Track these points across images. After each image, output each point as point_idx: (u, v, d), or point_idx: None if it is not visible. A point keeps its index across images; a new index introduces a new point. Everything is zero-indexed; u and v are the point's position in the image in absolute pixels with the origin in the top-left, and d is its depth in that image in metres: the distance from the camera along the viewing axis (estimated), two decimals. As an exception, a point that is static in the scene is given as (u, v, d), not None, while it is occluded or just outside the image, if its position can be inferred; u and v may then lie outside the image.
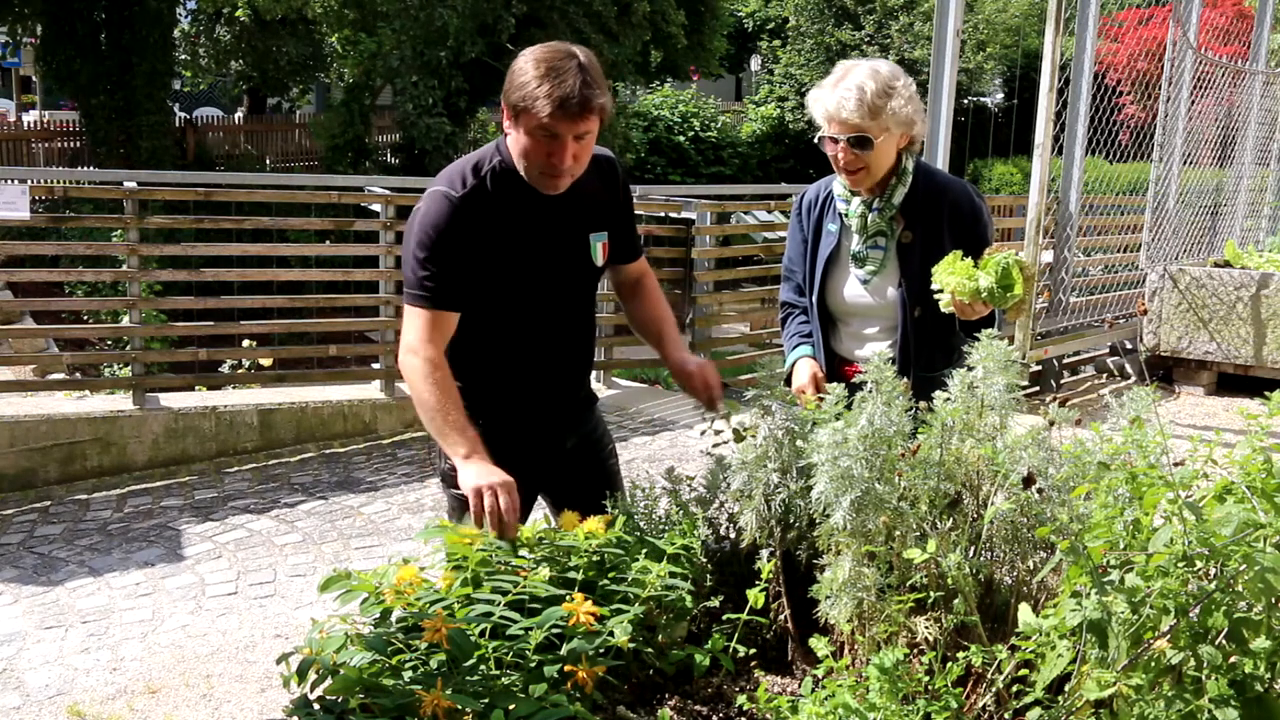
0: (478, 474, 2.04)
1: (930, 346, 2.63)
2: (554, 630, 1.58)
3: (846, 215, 2.67)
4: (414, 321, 2.27)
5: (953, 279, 2.34)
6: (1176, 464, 1.51)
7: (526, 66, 2.15)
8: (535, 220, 2.31)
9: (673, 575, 1.77)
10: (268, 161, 20.90)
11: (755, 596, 1.82)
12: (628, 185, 2.54)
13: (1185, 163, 7.41)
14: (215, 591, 4.37)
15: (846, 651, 1.77)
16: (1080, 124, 6.74)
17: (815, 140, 2.61)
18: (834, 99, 2.51)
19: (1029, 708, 1.46)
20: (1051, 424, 1.76)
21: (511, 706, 1.44)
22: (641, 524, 2.03)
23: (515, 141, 2.23)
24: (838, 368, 2.72)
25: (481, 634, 1.58)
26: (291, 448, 6.26)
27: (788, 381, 2.72)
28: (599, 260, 2.43)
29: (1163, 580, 1.35)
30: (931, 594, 1.68)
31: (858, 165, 2.55)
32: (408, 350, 2.27)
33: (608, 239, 2.44)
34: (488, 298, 2.31)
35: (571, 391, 2.51)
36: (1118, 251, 8.56)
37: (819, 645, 1.69)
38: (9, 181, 6.72)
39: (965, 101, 22.80)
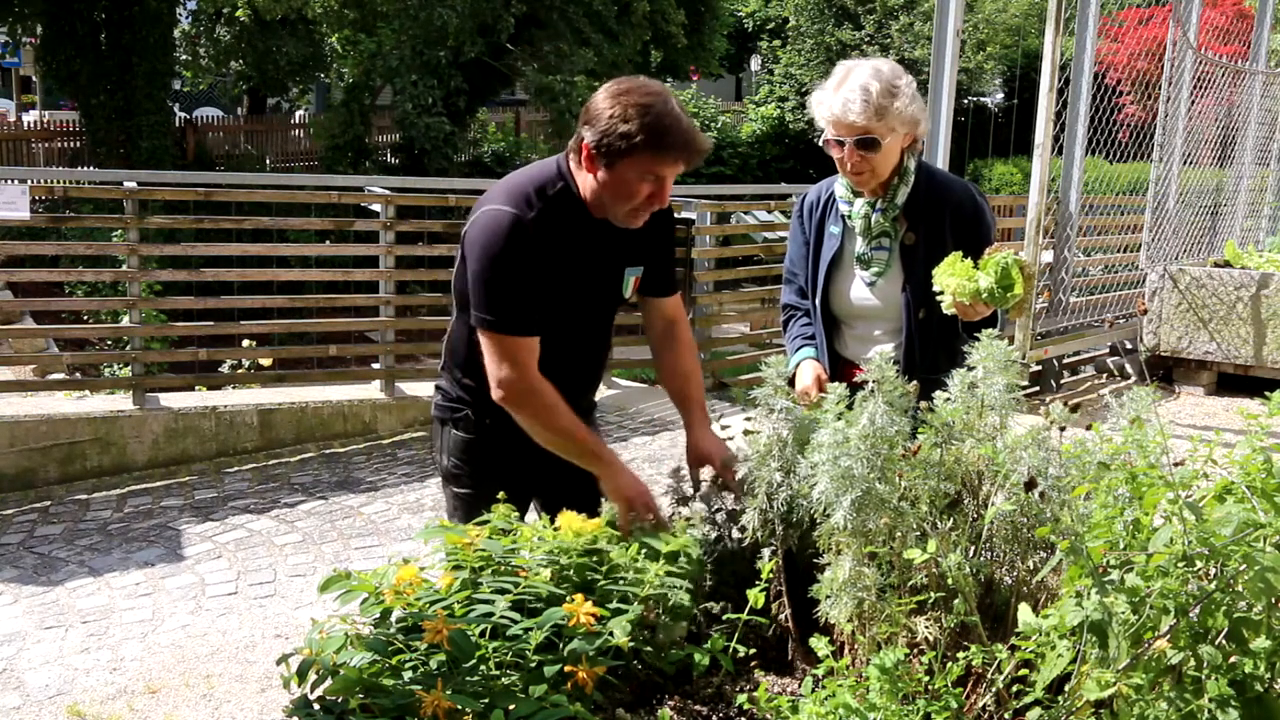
0: (627, 485, 2.17)
1: (934, 348, 2.62)
2: (554, 630, 1.58)
3: (850, 217, 2.66)
4: (510, 352, 2.21)
5: (953, 280, 2.33)
6: (1176, 464, 1.51)
7: (628, 112, 2.11)
8: (583, 248, 2.28)
9: (671, 575, 1.77)
10: (268, 161, 20.90)
11: (755, 596, 1.82)
12: (673, 221, 2.50)
13: (1185, 163, 7.41)
14: (215, 591, 4.37)
15: (847, 651, 1.77)
16: (1080, 124, 6.74)
17: (820, 143, 2.59)
18: (839, 101, 2.48)
19: (1029, 708, 1.46)
20: (1062, 428, 1.75)
21: (511, 706, 1.44)
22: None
23: (605, 183, 2.18)
24: (841, 370, 2.70)
25: (481, 634, 1.58)
26: (291, 448, 6.26)
27: (790, 384, 2.71)
28: (627, 293, 2.42)
29: (1163, 580, 1.35)
30: (932, 594, 1.68)
31: (864, 167, 2.52)
32: (512, 384, 2.21)
33: (642, 273, 2.43)
34: None
35: (578, 401, 2.52)
36: (1118, 251, 8.56)
37: (819, 645, 1.69)
38: (9, 181, 6.72)
39: (965, 101, 22.79)
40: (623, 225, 2.26)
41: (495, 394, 2.24)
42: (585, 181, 2.23)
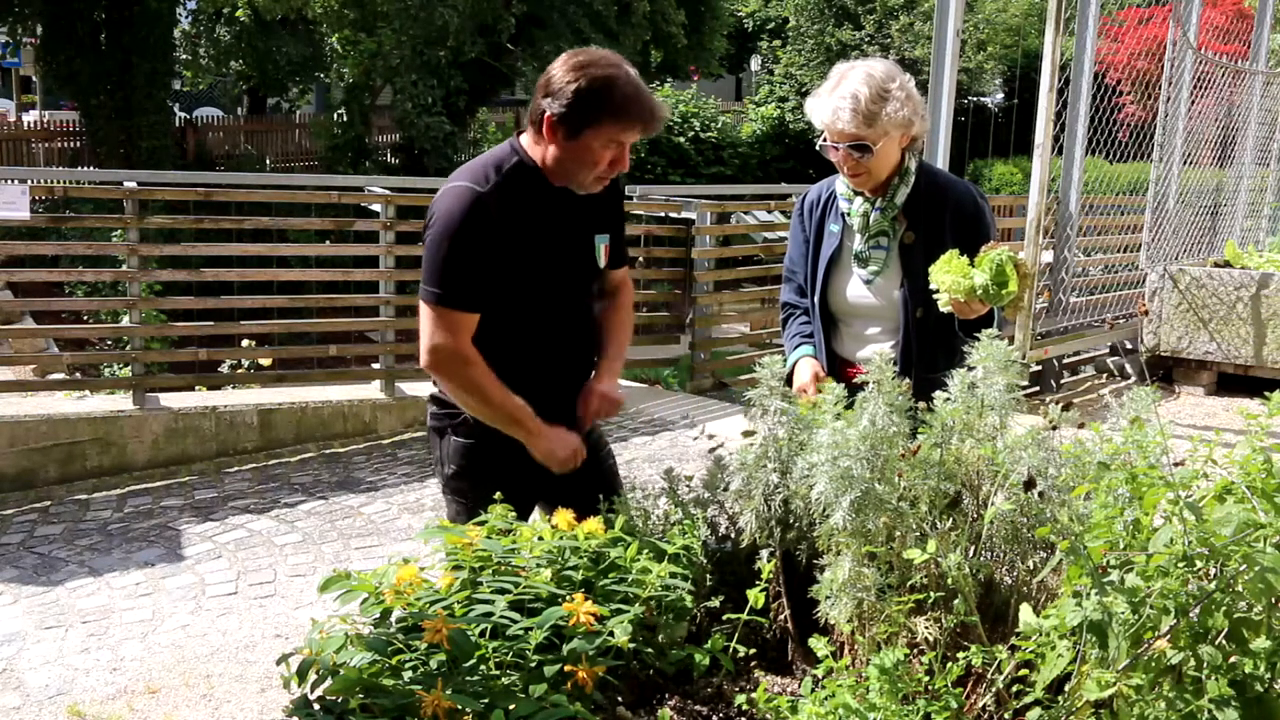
0: (558, 447, 2.34)
1: (932, 347, 2.62)
2: (554, 630, 1.58)
3: (849, 215, 2.67)
4: (442, 322, 2.26)
5: (948, 277, 2.34)
6: (1176, 464, 1.51)
7: (593, 82, 2.17)
8: (549, 219, 2.32)
9: (673, 575, 1.77)
10: (268, 161, 20.91)
11: (755, 596, 1.82)
12: (622, 194, 2.56)
13: (1185, 163, 7.41)
14: (215, 591, 4.37)
15: (846, 651, 1.77)
16: (1080, 124, 6.74)
17: (817, 147, 2.61)
18: (829, 109, 2.51)
19: (1029, 708, 1.46)
20: (1055, 427, 1.75)
21: (511, 706, 1.44)
22: (640, 524, 2.03)
23: (568, 151, 2.23)
24: (839, 369, 2.72)
25: (481, 634, 1.58)
26: (291, 448, 6.26)
27: (788, 382, 2.71)
28: (602, 261, 2.45)
29: (1163, 580, 1.35)
30: (931, 594, 1.68)
31: (860, 170, 2.56)
32: (439, 351, 2.27)
33: (609, 242, 2.46)
34: (498, 295, 2.31)
35: (574, 390, 2.51)
36: (1118, 251, 8.56)
37: (819, 645, 1.69)
38: (9, 181, 6.72)
39: (965, 101, 22.78)
40: (585, 191, 2.31)
41: (424, 360, 2.31)
42: (546, 152, 2.27)
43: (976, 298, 2.33)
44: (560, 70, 2.21)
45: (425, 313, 2.28)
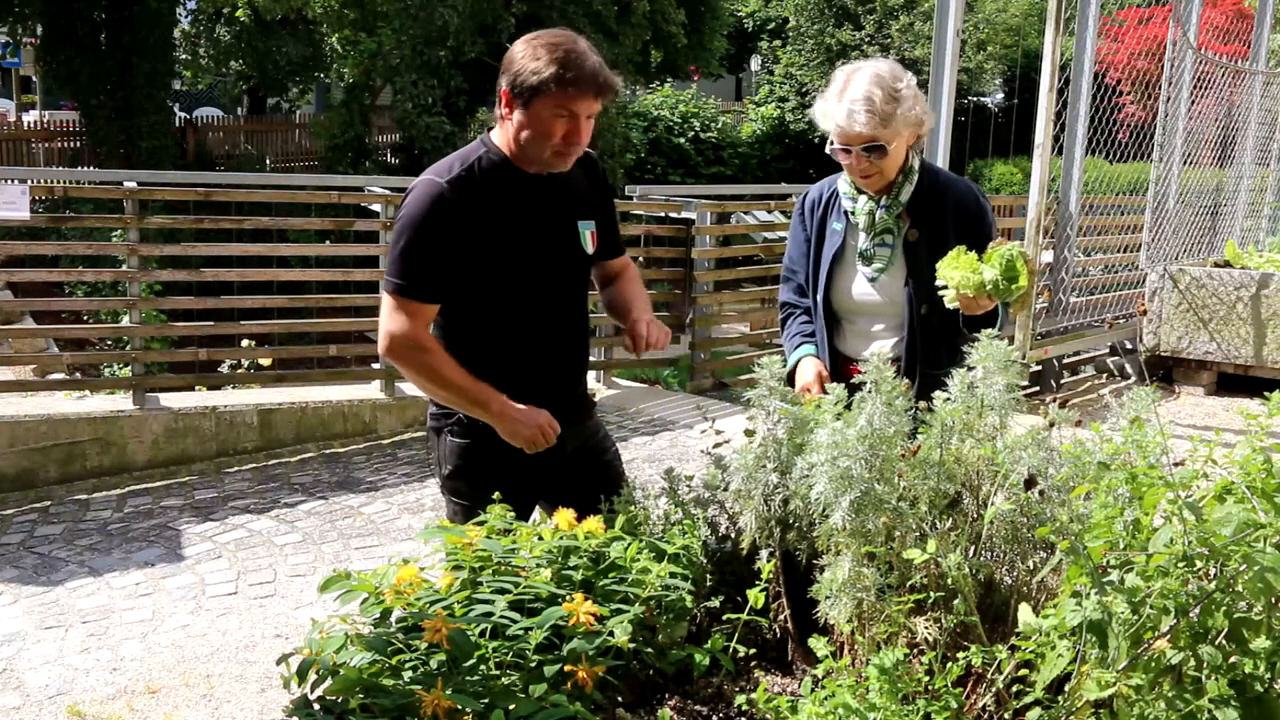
0: (522, 426, 2.30)
1: (936, 344, 2.63)
2: (554, 630, 1.58)
3: (853, 213, 2.68)
4: (400, 310, 2.29)
5: (957, 273, 2.35)
6: (1176, 464, 1.51)
7: (538, 51, 2.21)
8: (525, 209, 2.33)
9: (673, 575, 1.77)
10: (268, 161, 20.90)
11: (755, 596, 1.82)
12: (608, 181, 2.57)
13: (1185, 163, 7.41)
14: (215, 591, 4.37)
15: (846, 651, 1.77)
16: (1080, 124, 6.74)
17: (827, 150, 2.61)
18: (843, 112, 2.51)
19: (1029, 708, 1.46)
20: (1051, 425, 1.76)
21: (511, 706, 1.44)
22: (640, 524, 2.03)
23: (523, 125, 2.26)
24: (842, 367, 2.72)
25: (481, 634, 1.58)
26: (291, 448, 6.26)
27: (789, 381, 2.71)
28: (589, 248, 2.45)
29: (1163, 580, 1.35)
30: (931, 594, 1.68)
31: (872, 171, 2.57)
32: (395, 338, 2.29)
33: (595, 229, 2.46)
34: (482, 289, 2.32)
35: (569, 387, 2.50)
36: (1118, 251, 8.56)
37: (819, 645, 1.69)
38: (9, 181, 6.72)
39: (965, 101, 22.76)
40: (549, 169, 2.32)
41: (381, 347, 2.33)
42: (509, 134, 2.30)
43: (986, 293, 2.34)
44: (515, 46, 2.27)
45: (385, 302, 2.31)
